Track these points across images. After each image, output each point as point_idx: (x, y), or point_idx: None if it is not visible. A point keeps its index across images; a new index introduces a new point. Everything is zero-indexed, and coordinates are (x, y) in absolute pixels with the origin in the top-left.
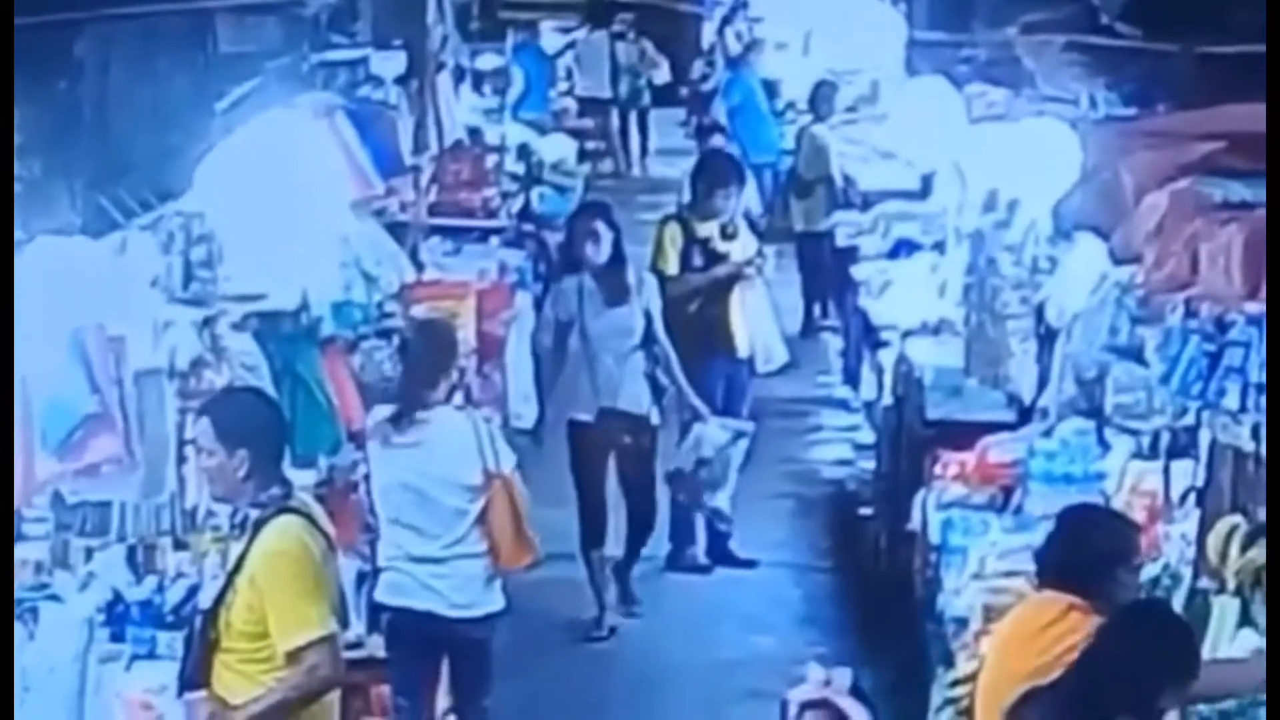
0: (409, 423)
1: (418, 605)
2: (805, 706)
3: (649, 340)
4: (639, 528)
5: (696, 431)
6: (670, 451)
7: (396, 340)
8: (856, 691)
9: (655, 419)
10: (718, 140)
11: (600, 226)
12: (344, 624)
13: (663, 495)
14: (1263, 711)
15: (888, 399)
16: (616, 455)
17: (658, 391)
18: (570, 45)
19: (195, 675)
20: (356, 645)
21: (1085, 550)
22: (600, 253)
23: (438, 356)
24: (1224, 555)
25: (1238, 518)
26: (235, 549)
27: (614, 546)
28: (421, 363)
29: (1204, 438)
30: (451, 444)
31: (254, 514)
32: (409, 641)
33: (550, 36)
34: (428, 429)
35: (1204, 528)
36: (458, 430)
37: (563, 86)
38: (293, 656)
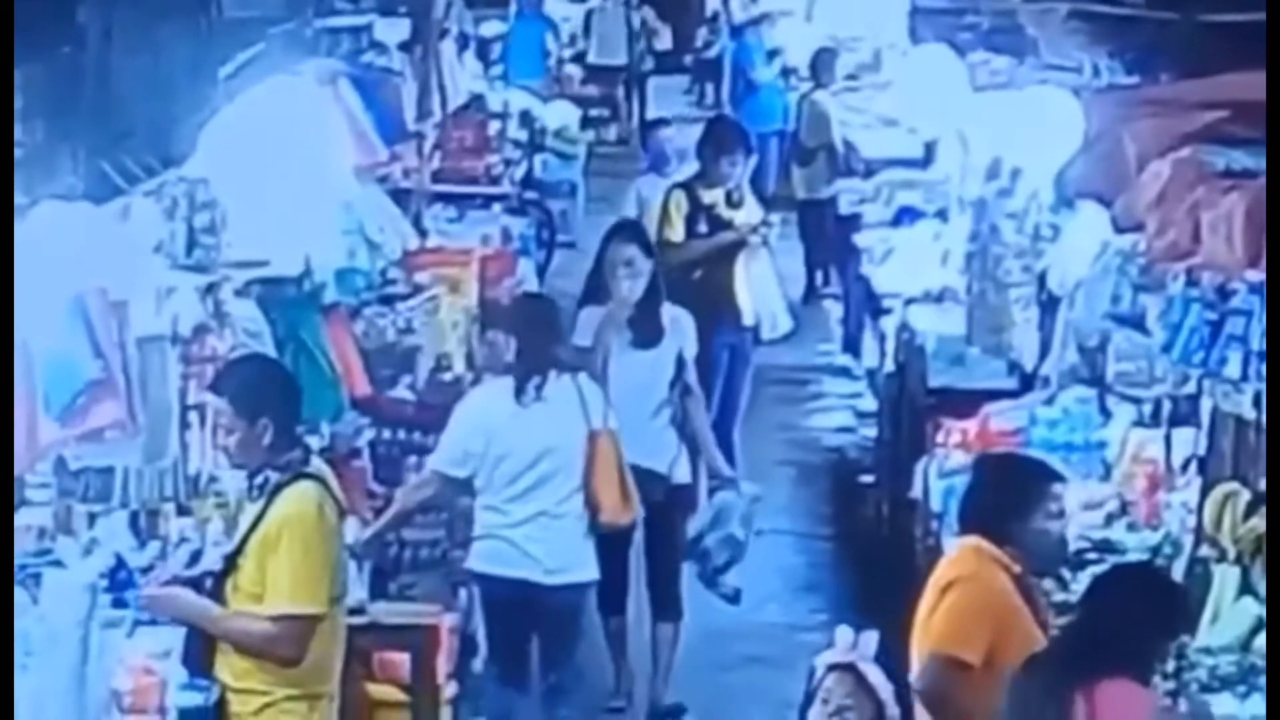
0: (532, 393)
1: (514, 574)
2: (831, 669)
3: (678, 388)
4: (666, 611)
5: (720, 502)
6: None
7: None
8: (881, 661)
9: (683, 477)
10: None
11: (637, 255)
12: (344, 590)
13: None
14: (1261, 677)
15: (890, 367)
16: (643, 521)
17: (691, 448)
18: (588, 12)
19: (200, 655)
20: (358, 611)
21: (1000, 495)
22: (635, 289)
23: (547, 329)
24: (1218, 522)
25: (1234, 485)
26: (252, 510)
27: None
28: (533, 336)
29: (1205, 406)
30: (562, 407)
31: (274, 477)
32: (505, 609)
33: (554, 2)
34: (544, 395)
35: (1205, 496)
36: (565, 393)
37: (567, 53)
38: (273, 619)
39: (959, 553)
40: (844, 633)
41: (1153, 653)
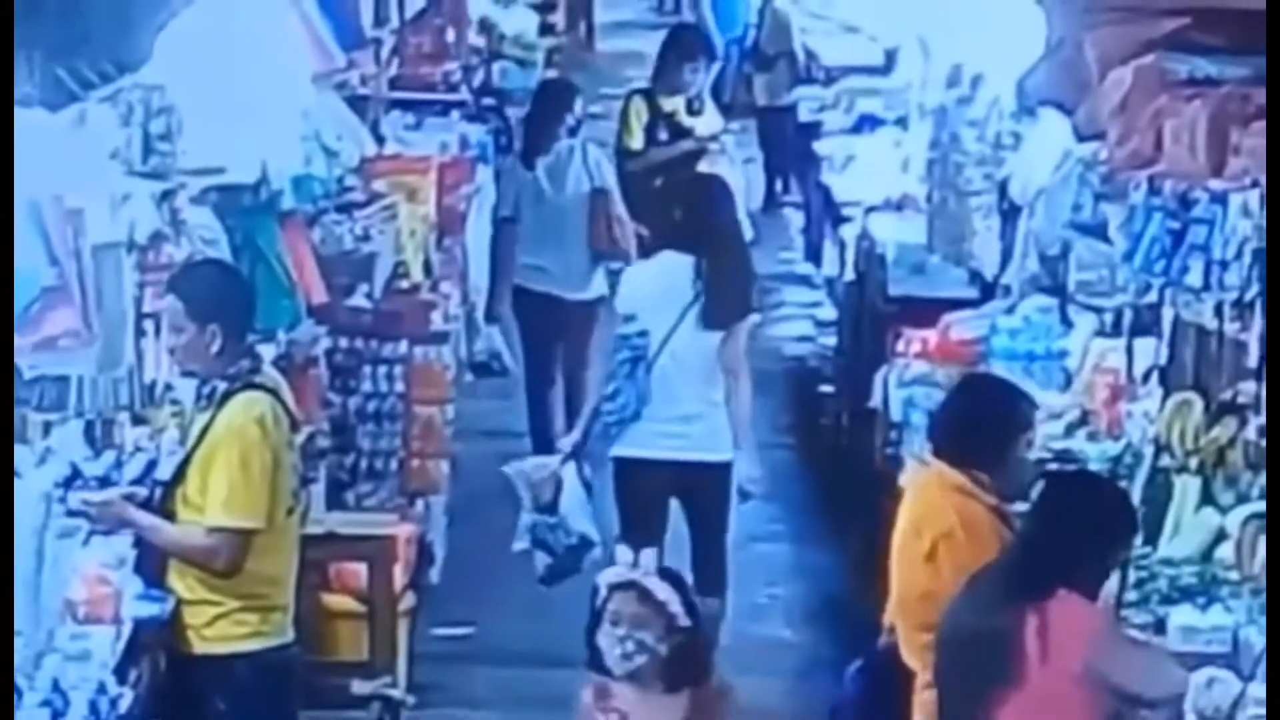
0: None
1: (542, 288)
2: (614, 588)
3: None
4: (711, 586)
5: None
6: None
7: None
8: (665, 572)
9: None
10: None
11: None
12: (295, 502)
13: None
14: (1221, 588)
15: (850, 275)
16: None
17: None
18: None
19: (154, 565)
20: (315, 522)
21: (979, 418)
22: None
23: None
24: (1170, 427)
25: (1188, 394)
26: (201, 420)
27: None
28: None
29: (1167, 315)
30: (568, 164)
31: (223, 386)
32: (533, 317)
33: None
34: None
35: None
36: (571, 153)
37: None
38: (209, 531)
39: (925, 496)
40: (623, 552)
41: (1099, 563)
